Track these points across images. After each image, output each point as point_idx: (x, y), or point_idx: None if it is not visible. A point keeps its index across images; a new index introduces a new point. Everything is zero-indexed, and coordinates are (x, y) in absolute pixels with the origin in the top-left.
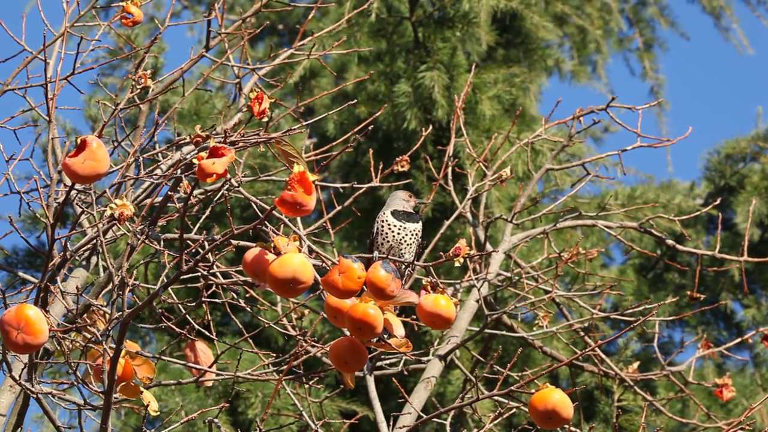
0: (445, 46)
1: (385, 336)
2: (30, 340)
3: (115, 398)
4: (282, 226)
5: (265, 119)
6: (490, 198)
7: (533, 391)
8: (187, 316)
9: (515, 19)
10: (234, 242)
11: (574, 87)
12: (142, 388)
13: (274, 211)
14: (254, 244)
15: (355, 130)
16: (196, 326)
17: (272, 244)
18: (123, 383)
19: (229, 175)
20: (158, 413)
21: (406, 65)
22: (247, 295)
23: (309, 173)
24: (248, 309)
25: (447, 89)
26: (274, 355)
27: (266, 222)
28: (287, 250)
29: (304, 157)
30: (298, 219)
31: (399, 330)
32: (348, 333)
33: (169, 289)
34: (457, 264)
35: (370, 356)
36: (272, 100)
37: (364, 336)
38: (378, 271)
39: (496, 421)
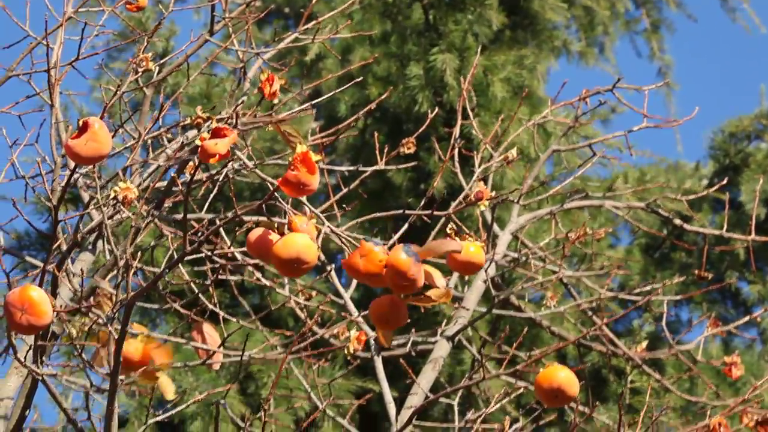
0: (457, 28)
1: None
2: (34, 321)
3: (121, 380)
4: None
5: (276, 101)
6: (506, 179)
7: (540, 370)
8: (197, 297)
9: (522, 0)
10: (247, 218)
11: (582, 68)
12: (159, 374)
13: (277, 192)
14: (263, 219)
15: (361, 113)
16: (210, 307)
17: (276, 224)
18: (141, 369)
19: (234, 157)
20: (176, 397)
21: (417, 47)
22: (254, 279)
23: (312, 153)
24: (264, 282)
25: (458, 72)
26: (282, 333)
27: (280, 201)
28: (305, 230)
29: (305, 137)
30: (305, 201)
31: (440, 281)
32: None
33: (182, 270)
34: (482, 208)
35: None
36: (282, 82)
37: (406, 291)
38: (399, 254)
39: (503, 401)
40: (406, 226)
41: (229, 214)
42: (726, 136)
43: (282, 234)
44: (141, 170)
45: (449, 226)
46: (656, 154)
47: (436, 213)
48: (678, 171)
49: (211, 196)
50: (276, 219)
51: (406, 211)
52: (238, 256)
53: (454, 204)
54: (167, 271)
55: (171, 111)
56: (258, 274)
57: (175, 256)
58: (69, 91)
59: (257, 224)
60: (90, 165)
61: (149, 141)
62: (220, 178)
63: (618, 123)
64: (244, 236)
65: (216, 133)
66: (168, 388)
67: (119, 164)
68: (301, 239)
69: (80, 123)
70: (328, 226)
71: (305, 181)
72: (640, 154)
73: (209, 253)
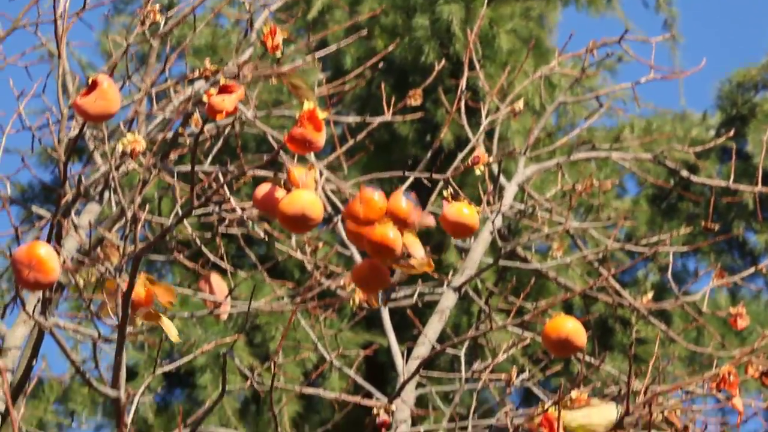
0: None
1: (407, 257)
2: (41, 278)
3: (129, 331)
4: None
5: (279, 54)
6: (511, 131)
7: (546, 320)
8: (202, 248)
9: None
10: (250, 173)
11: (591, 17)
12: (162, 315)
13: (283, 149)
14: (270, 172)
15: (368, 64)
16: (212, 258)
17: (283, 180)
18: (144, 309)
19: (240, 112)
20: (180, 341)
21: None
22: (257, 233)
23: (319, 110)
24: (266, 239)
25: (465, 23)
26: (285, 284)
27: (282, 153)
28: (305, 182)
29: (314, 90)
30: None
31: (418, 251)
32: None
33: (186, 222)
34: (477, 173)
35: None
36: (285, 35)
37: (384, 258)
38: (399, 201)
39: (510, 351)
40: (411, 178)
41: (233, 168)
42: (733, 86)
43: (288, 190)
44: (146, 122)
45: (447, 189)
46: (659, 106)
47: (434, 176)
48: (685, 121)
49: (216, 149)
50: (280, 174)
51: (406, 173)
52: (239, 211)
53: (452, 167)
54: (175, 225)
55: (177, 62)
56: (260, 231)
57: (180, 211)
58: (70, 43)
59: (255, 177)
60: (99, 123)
61: (155, 93)
62: (226, 131)
63: (624, 74)
64: (248, 188)
65: (223, 89)
66: (171, 330)
67: (126, 116)
68: (307, 196)
69: (89, 81)
70: (323, 188)
71: (311, 139)
72: (646, 106)
73: (217, 209)
